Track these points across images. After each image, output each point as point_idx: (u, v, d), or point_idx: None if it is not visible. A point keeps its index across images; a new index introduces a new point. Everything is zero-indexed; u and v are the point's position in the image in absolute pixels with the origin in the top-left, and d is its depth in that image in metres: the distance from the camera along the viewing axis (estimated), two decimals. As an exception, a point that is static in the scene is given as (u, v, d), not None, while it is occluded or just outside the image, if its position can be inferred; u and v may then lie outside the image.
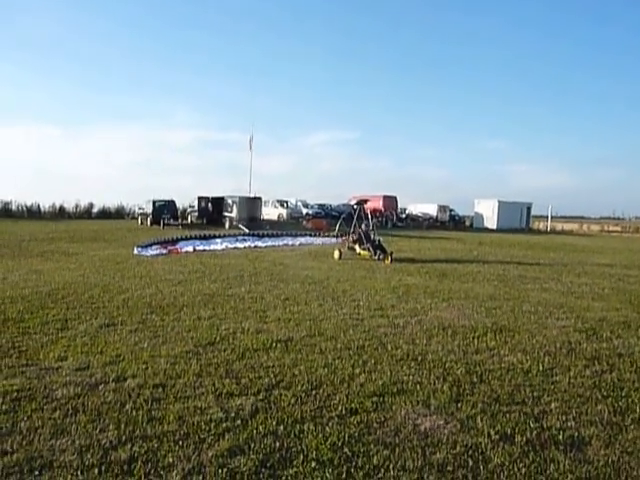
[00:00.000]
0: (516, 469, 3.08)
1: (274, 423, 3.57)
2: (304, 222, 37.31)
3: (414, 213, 53.50)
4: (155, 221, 30.73)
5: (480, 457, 3.21)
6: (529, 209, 59.99)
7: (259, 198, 36.04)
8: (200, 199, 34.47)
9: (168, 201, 33.24)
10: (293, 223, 38.69)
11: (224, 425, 3.50)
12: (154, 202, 32.35)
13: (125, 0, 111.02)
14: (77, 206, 42.99)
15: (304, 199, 48.77)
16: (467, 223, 58.14)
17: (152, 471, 2.97)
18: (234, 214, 32.40)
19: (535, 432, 3.58)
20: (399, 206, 54.35)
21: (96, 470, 2.96)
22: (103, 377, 4.39)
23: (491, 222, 54.57)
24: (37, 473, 2.93)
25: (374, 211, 48.35)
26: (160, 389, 4.15)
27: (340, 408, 3.88)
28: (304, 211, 44.51)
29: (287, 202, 45.31)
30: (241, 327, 6.46)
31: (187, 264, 13.31)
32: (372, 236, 16.49)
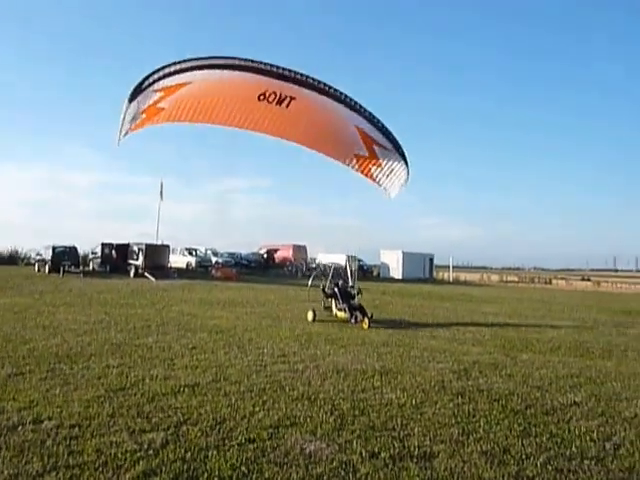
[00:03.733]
0: (377, 477, 3.92)
1: (182, 451, 4.15)
2: (213, 271, 37.32)
3: (324, 263, 55.16)
4: (54, 268, 29.38)
5: (351, 469, 4.02)
6: (432, 260, 63.94)
7: (167, 246, 35.68)
8: (104, 245, 33.51)
9: (69, 247, 32.00)
10: (202, 272, 38.56)
11: (138, 454, 4.03)
12: (54, 248, 31.02)
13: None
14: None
15: (214, 247, 48.72)
16: (375, 273, 60.70)
17: (72, 496, 3.43)
18: (140, 262, 31.80)
19: (397, 449, 4.46)
20: (309, 255, 55.73)
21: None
22: (20, 420, 4.71)
23: (397, 272, 57.26)
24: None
25: (284, 260, 49.45)
26: (77, 428, 4.56)
27: (240, 438, 4.53)
28: (213, 259, 44.45)
29: (196, 250, 45.04)
30: (150, 374, 6.87)
31: (91, 314, 13.22)
32: (354, 294, 14.22)
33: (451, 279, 64.71)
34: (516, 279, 78.20)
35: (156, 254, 32.87)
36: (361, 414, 5.48)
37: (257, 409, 5.47)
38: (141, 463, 3.87)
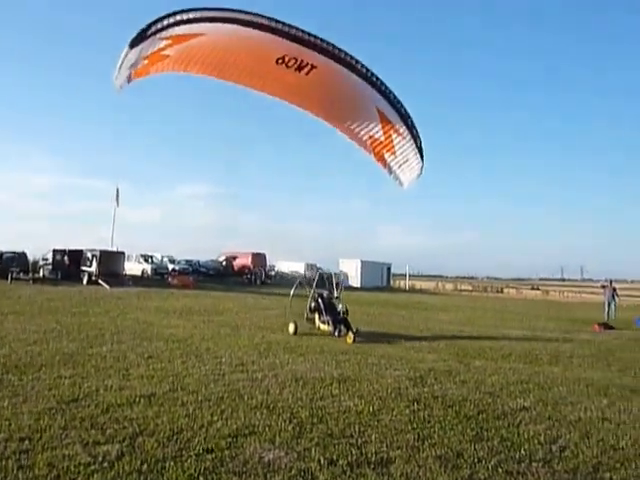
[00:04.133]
0: (335, 483, 3.98)
1: (139, 463, 4.08)
2: (169, 278, 36.61)
3: (283, 270, 55.04)
4: (2, 275, 28.10)
5: (309, 477, 4.06)
6: (389, 269, 64.84)
7: (122, 252, 34.80)
8: (55, 252, 32.32)
9: (18, 253, 30.75)
10: (158, 279, 37.78)
11: (92, 467, 3.94)
12: (1, 253, 29.76)
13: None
14: None
15: (171, 254, 47.83)
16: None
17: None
18: (93, 269, 30.87)
19: (355, 456, 4.53)
20: (268, 263, 55.46)
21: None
22: (-35, 434, 4.50)
23: (355, 281, 57.70)
24: None
25: (243, 268, 49.05)
26: (27, 442, 4.40)
27: (198, 448, 4.50)
28: (170, 267, 43.64)
29: (152, 257, 44.08)
30: (104, 384, 6.70)
31: (41, 322, 12.76)
32: (338, 306, 13.38)
33: (407, 287, 65.78)
34: (470, 288, 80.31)
35: (111, 261, 32.00)
36: (319, 422, 5.53)
37: (215, 418, 5.43)
38: (95, 476, 3.78)
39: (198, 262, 48.11)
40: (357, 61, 10.14)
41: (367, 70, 10.28)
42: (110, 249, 34.21)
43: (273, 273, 52.44)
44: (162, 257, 45.87)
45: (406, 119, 10.91)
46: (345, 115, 11.21)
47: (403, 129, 10.98)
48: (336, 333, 12.44)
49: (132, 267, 38.98)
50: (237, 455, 4.42)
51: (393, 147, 11.28)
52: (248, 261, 50.31)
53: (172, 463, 4.13)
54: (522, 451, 4.94)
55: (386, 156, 11.46)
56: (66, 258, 32.15)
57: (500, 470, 4.44)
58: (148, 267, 41.37)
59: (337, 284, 14.63)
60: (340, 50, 9.91)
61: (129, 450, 4.37)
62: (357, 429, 5.35)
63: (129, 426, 5.01)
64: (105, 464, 4.03)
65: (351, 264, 59.13)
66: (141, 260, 41.93)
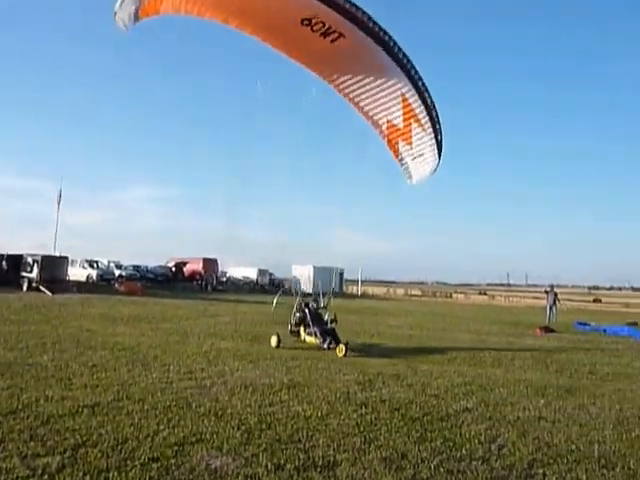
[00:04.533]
0: (282, 488, 4.01)
1: (81, 474, 3.98)
2: (116, 285, 35.55)
3: (235, 276, 54.48)
4: None
5: (257, 482, 4.08)
6: (342, 274, 65.33)
7: (65, 257, 33.56)
8: (-7, 257, 30.80)
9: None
10: (104, 285, 36.61)
11: (30, 480, 3.80)
12: None
13: None
14: None
15: (118, 259, 46.47)
16: (286, 287, 60.77)
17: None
18: (34, 274, 29.57)
19: (302, 461, 4.58)
20: (220, 269, 54.74)
21: None
22: None
23: (308, 286, 57.68)
24: None
25: (193, 274, 48.23)
26: (-41, 457, 4.19)
27: (143, 457, 4.42)
28: (117, 272, 42.39)
29: (97, 262, 42.70)
30: (45, 395, 6.44)
31: (-24, 331, 12.11)
32: (325, 317, 12.60)
33: (359, 293, 66.51)
34: (420, 293, 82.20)
35: (53, 266, 30.78)
36: (268, 428, 5.55)
37: (162, 427, 5.34)
38: (34, 489, 3.66)
39: (146, 268, 46.97)
40: (391, 38, 9.26)
41: (399, 50, 9.44)
42: (52, 254, 32.89)
43: (225, 279, 51.82)
44: (108, 262, 44.53)
45: (431, 110, 10.12)
46: (364, 93, 10.23)
47: (425, 120, 10.18)
48: (325, 345, 11.51)
49: (76, 273, 37.63)
50: (183, 463, 4.38)
51: (410, 137, 10.47)
52: (199, 267, 49.55)
53: (116, 473, 4.05)
54: (463, 450, 5.14)
55: (400, 145, 10.70)
56: (4, 263, 30.68)
57: (442, 469, 4.60)
58: (93, 273, 40.08)
59: (324, 293, 13.91)
60: (375, 24, 8.97)
61: (71, 462, 4.24)
62: (305, 434, 5.40)
63: (71, 437, 4.86)
64: (45, 476, 3.90)
65: (304, 269, 59.12)
66: (86, 265, 40.57)
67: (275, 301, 13.91)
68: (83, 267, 40.27)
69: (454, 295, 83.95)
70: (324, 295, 13.58)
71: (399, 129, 10.46)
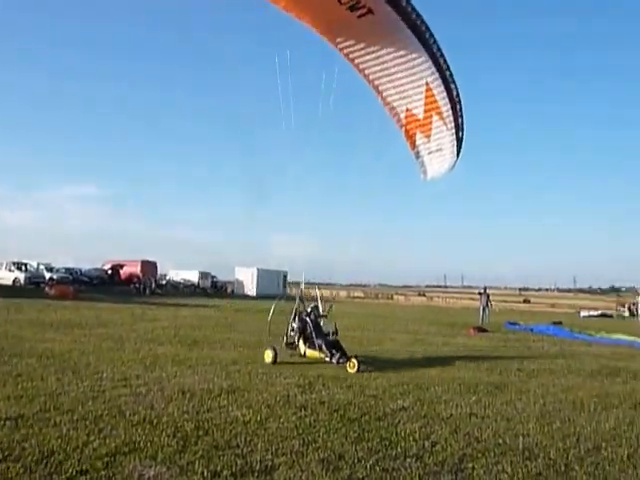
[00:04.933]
0: (218, 495, 3.96)
1: (0, 492, 3.75)
2: (47, 288, 33.79)
3: (175, 279, 53.17)
4: None
5: (191, 490, 4.00)
6: (285, 276, 65.26)
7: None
8: None
9: None
10: (33, 289, 34.71)
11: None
12: None
13: None
14: None
15: (49, 262, 44.24)
16: (229, 290, 59.90)
17: None
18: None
19: (240, 466, 4.55)
20: (159, 271, 53.33)
21: None
22: None
23: (251, 289, 57.27)
24: None
25: (131, 277, 46.63)
26: None
27: (71, 471, 4.22)
28: (47, 275, 40.33)
29: (26, 265, 40.46)
30: (-39, 408, 6.03)
31: None
32: (327, 328, 11.18)
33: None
34: (362, 295, 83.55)
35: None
36: (205, 434, 5.46)
37: (92, 438, 5.13)
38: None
39: (80, 270, 45.02)
40: (423, 22, 8.59)
41: (431, 36, 8.75)
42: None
43: (164, 282, 50.48)
44: (38, 265, 42.28)
45: (455, 104, 9.46)
46: (387, 77, 9.47)
47: (448, 113, 9.50)
48: (333, 360, 10.14)
49: (2, 276, 35.50)
50: (114, 475, 4.22)
51: (430, 130, 9.79)
52: (137, 269, 48.08)
53: (40, 488, 3.86)
54: (398, 448, 5.28)
55: (418, 137, 10.00)
56: None
57: (377, 468, 4.70)
58: (21, 276, 37.97)
59: (325, 299, 12.61)
60: (408, 3, 8.31)
61: (-11, 479, 4.00)
62: (243, 439, 5.36)
63: (-9, 452, 4.58)
64: (-41, 496, 3.66)
65: (247, 272, 58.68)
66: (13, 268, 38.37)
67: (272, 310, 11.75)
68: (10, 270, 38.04)
69: (395, 297, 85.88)
70: (321, 301, 12.02)
71: (418, 119, 9.80)
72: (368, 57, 9.31)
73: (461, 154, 9.97)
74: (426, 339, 17.14)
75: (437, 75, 9.13)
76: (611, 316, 48.45)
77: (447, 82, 9.21)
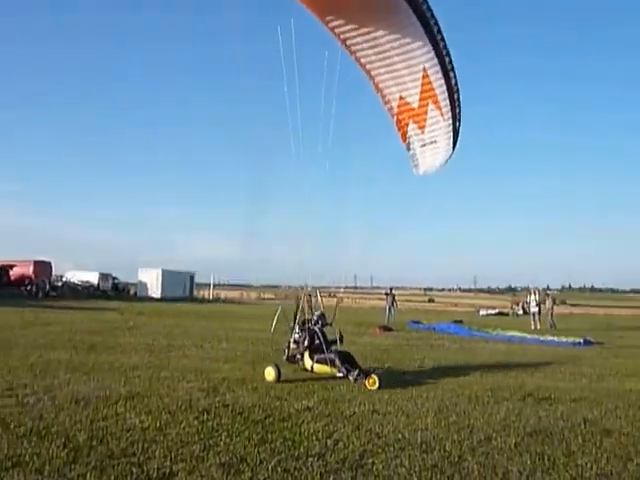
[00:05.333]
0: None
1: None
2: None
3: (72, 281, 49.85)
4: None
5: (80, 504, 3.76)
6: (192, 278, 63.53)
7: None
8: None
9: None
10: None
11: None
12: None
13: None
14: None
15: None
16: (132, 292, 57.22)
17: None
18: None
19: (135, 475, 4.36)
20: (55, 272, 49.79)
21: None
22: None
23: (155, 291, 55.19)
24: None
25: (22, 278, 43.01)
26: None
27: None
28: None
29: None
30: None
31: None
32: (337, 341, 9.80)
33: (212, 297, 65.32)
34: (273, 296, 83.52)
35: None
36: (99, 443, 5.17)
37: (-32, 454, 4.67)
38: None
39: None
40: (425, 1, 7.77)
41: (432, 17, 7.88)
42: None
43: (60, 284, 47.18)
44: None
45: (453, 93, 8.69)
46: (381, 62, 8.66)
47: (445, 103, 8.76)
48: (351, 377, 8.92)
49: None
50: (-8, 493, 3.88)
51: (425, 120, 9.03)
52: (29, 270, 44.49)
53: None
54: (301, 448, 5.32)
55: (410, 128, 9.24)
56: None
57: (279, 469, 4.71)
58: None
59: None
60: None
61: None
62: (141, 446, 5.14)
63: None
64: None
65: (151, 273, 56.51)
66: None
67: (275, 319, 10.57)
68: None
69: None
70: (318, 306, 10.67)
71: (413, 108, 9.03)
72: (361, 38, 8.43)
73: (457, 147, 9.27)
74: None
75: (436, 61, 8.37)
76: (507, 314, 51.67)
77: (446, 69, 8.46)
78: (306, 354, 9.46)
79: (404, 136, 9.38)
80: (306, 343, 9.44)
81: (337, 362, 9.08)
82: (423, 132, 9.16)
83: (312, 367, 9.37)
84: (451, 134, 9.04)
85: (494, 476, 4.81)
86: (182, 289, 59.20)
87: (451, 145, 9.15)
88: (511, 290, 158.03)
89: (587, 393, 9.04)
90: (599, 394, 8.95)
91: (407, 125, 9.25)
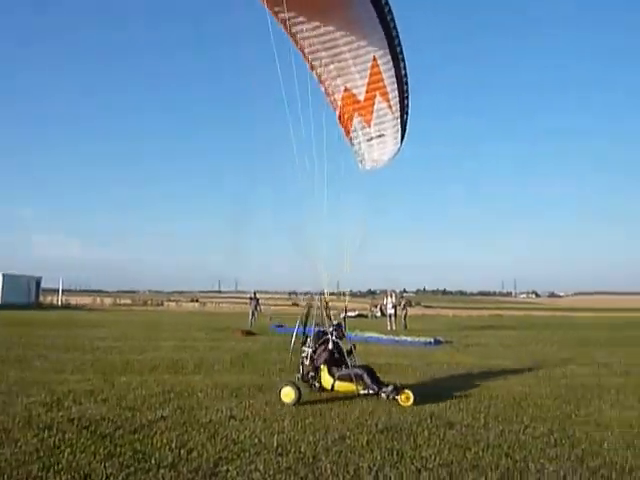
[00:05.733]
0: None
1: None
2: None
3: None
4: None
5: None
6: (39, 283, 57.63)
7: None
8: None
9: None
10: None
11: None
12: None
13: None
14: None
15: None
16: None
17: None
18: None
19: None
20: None
21: None
22: None
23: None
24: None
25: None
26: None
27: None
28: None
29: None
30: None
31: None
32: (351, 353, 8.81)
33: (61, 303, 60.10)
34: (130, 302, 79.05)
35: None
36: None
37: None
38: None
39: None
40: None
41: (387, 4, 7.39)
42: None
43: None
44: None
45: (402, 83, 8.17)
46: (326, 51, 7.99)
47: (394, 94, 8.21)
48: (383, 395, 8.03)
49: None
50: None
51: (371, 113, 8.46)
52: None
53: None
54: (152, 460, 5.13)
55: (356, 122, 8.64)
56: None
57: (127, 484, 4.51)
58: None
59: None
60: None
61: None
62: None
63: None
64: None
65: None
66: None
67: (293, 341, 9.32)
68: None
69: (165, 303, 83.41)
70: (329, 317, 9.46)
71: (359, 101, 8.47)
72: (306, 25, 7.77)
73: (405, 140, 8.86)
74: (194, 345, 17.00)
75: (387, 49, 7.87)
76: (366, 316, 54.10)
77: (397, 58, 7.99)
78: (324, 370, 8.51)
79: (347, 131, 8.93)
80: (324, 358, 8.53)
81: (365, 378, 8.21)
82: (369, 126, 8.73)
83: (333, 386, 8.43)
84: (399, 127, 8.66)
85: (346, 474, 5.03)
86: (26, 295, 53.41)
87: (399, 138, 8.76)
88: (371, 293, 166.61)
89: (434, 389, 9.84)
90: (444, 389, 9.79)
91: (352, 119, 8.78)
